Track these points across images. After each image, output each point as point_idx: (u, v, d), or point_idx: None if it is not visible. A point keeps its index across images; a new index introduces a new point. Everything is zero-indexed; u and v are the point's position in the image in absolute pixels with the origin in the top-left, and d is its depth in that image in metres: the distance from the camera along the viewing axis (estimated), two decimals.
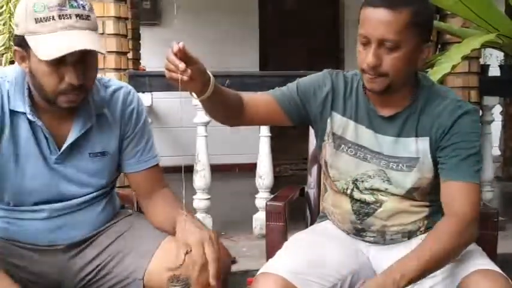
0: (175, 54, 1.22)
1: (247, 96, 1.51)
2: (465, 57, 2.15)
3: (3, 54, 3.23)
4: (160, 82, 3.39)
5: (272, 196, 1.99)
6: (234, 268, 2.76)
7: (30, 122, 1.44)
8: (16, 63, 1.44)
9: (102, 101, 1.53)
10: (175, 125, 5.60)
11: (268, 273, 1.39)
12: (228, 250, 1.56)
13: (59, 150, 1.47)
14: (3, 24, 3.16)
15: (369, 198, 1.50)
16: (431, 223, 1.48)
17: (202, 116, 3.25)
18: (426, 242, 1.36)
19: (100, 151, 1.53)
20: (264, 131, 3.35)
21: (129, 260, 1.52)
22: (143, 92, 3.34)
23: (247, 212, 3.38)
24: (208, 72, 1.32)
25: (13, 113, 1.43)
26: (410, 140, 1.44)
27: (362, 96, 1.50)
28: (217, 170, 3.60)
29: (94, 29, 1.40)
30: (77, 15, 1.35)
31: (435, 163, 1.45)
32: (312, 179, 1.96)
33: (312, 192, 1.95)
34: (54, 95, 1.39)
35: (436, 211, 1.49)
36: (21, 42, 1.37)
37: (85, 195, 1.54)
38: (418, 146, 1.44)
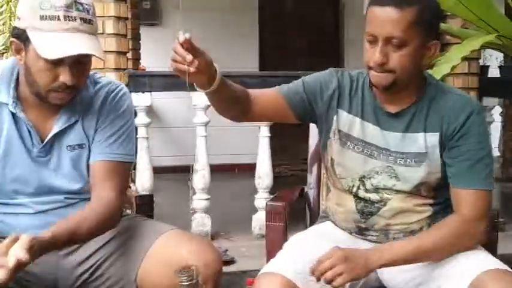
0: (182, 46, 1.23)
1: (254, 92, 1.52)
2: (465, 58, 2.16)
3: (3, 53, 3.23)
4: (160, 82, 3.39)
5: (272, 196, 1.99)
6: (233, 268, 2.77)
7: (13, 114, 1.46)
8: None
9: (89, 97, 1.54)
10: (174, 125, 5.61)
11: (271, 273, 1.39)
12: (217, 253, 1.52)
13: (42, 143, 1.49)
14: (3, 24, 3.16)
15: (373, 197, 1.51)
16: (434, 224, 1.48)
17: (201, 116, 3.25)
18: (427, 231, 1.43)
19: (77, 143, 1.53)
20: (264, 131, 3.36)
21: (122, 261, 1.52)
22: (143, 92, 3.34)
23: (246, 212, 3.38)
24: (214, 64, 1.33)
25: None
26: (418, 136, 1.46)
27: (368, 93, 1.52)
28: (217, 170, 3.60)
29: (95, 34, 1.44)
30: (81, 19, 1.38)
31: (443, 158, 1.46)
32: (311, 179, 1.96)
33: (311, 192, 1.95)
34: (46, 91, 1.42)
35: (438, 211, 1.49)
36: (20, 34, 1.39)
37: (72, 191, 1.53)
38: (427, 141, 1.45)
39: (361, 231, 1.55)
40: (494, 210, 1.69)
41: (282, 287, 1.35)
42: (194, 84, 1.34)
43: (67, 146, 1.52)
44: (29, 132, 1.48)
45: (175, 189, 3.96)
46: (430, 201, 1.50)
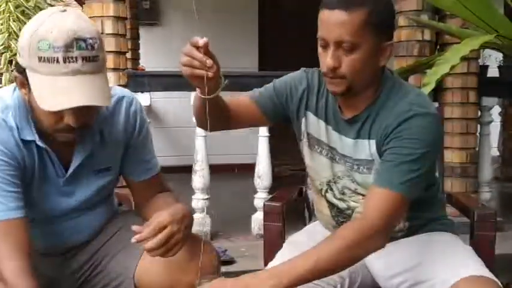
0: (198, 50, 1.18)
1: (227, 99, 1.48)
2: (464, 58, 2.15)
3: (2, 53, 3.22)
4: (159, 82, 3.40)
5: (270, 196, 1.99)
6: (233, 268, 2.77)
7: (38, 148, 1.39)
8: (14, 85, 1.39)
9: (104, 115, 1.47)
10: (173, 125, 5.61)
11: None
12: (215, 253, 1.53)
13: (66, 173, 1.45)
14: (2, 24, 3.15)
15: (340, 204, 1.50)
16: (414, 222, 1.47)
17: None
18: (319, 244, 1.28)
19: (104, 167, 1.50)
20: (263, 131, 3.36)
21: (120, 258, 1.53)
22: (142, 92, 3.34)
23: (245, 212, 3.38)
24: None
25: (23, 142, 1.37)
26: (365, 142, 1.41)
27: (332, 96, 1.47)
28: (216, 170, 3.60)
29: (101, 70, 1.30)
30: (83, 58, 1.24)
31: None
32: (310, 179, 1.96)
33: (310, 192, 1.95)
34: (52, 131, 1.34)
35: (414, 211, 1.44)
36: (22, 72, 1.30)
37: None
38: (371, 149, 1.40)
39: None
40: (493, 211, 1.69)
41: None
42: (197, 89, 1.31)
43: (94, 171, 1.48)
44: (53, 163, 1.42)
45: (173, 189, 3.95)
46: None
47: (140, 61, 5.31)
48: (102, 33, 3.02)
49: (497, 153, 5.16)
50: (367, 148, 1.40)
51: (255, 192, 3.36)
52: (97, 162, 1.48)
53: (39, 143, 1.37)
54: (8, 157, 1.33)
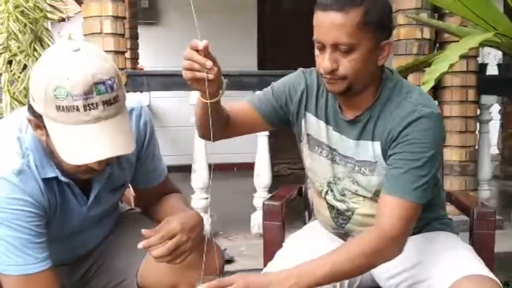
0: (198, 52, 1.17)
1: (227, 108, 1.46)
2: (463, 56, 2.15)
3: (1, 53, 3.21)
4: (158, 81, 3.39)
5: (270, 195, 1.99)
6: (232, 267, 2.76)
7: (58, 182, 1.34)
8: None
9: None
10: (173, 124, 5.60)
11: None
12: (220, 252, 1.53)
13: (88, 200, 1.42)
14: (1, 24, 3.14)
15: (340, 206, 1.49)
16: (416, 223, 1.45)
17: None
18: (336, 250, 1.29)
19: (120, 184, 1.49)
20: None
21: (124, 256, 1.53)
22: (141, 91, 3.34)
23: (245, 211, 3.38)
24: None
25: (45, 180, 1.31)
26: (368, 144, 1.40)
27: (331, 96, 1.46)
28: (216, 170, 3.60)
29: (121, 109, 1.22)
30: (104, 102, 1.16)
31: None
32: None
33: (310, 191, 1.95)
34: (74, 173, 1.29)
35: None
36: (38, 117, 1.21)
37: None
38: (375, 150, 1.39)
39: (342, 237, 1.55)
40: (492, 209, 1.69)
41: None
42: (199, 94, 1.29)
43: (111, 189, 1.46)
44: (74, 193, 1.39)
45: None
46: None
47: (139, 60, 5.30)
48: (100, 33, 3.02)
49: (497, 152, 5.16)
50: (370, 150, 1.39)
51: (255, 191, 3.36)
52: (114, 181, 1.45)
53: (62, 178, 1.32)
54: (35, 207, 1.27)
